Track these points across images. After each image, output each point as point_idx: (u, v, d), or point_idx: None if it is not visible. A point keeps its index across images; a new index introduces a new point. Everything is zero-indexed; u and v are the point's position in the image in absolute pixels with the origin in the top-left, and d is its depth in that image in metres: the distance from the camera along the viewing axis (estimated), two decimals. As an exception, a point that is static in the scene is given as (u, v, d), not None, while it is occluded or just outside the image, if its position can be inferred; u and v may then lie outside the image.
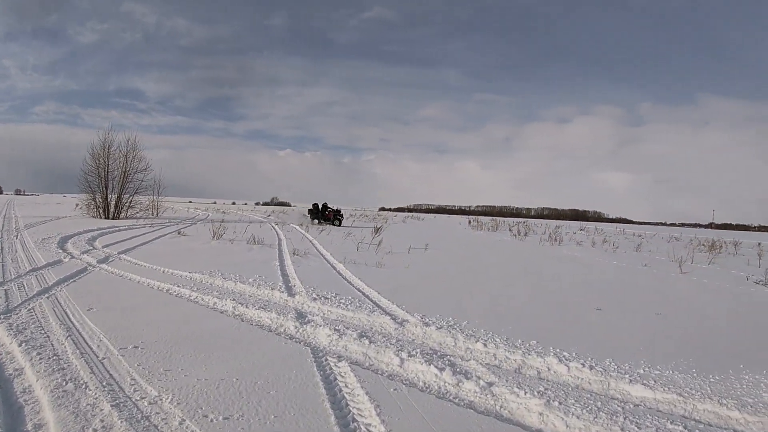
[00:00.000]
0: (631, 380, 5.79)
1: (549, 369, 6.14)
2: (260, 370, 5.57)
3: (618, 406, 5.06)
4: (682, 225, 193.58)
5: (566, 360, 6.35)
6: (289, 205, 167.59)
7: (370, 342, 6.57)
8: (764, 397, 5.51)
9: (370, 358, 6.21)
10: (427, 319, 8.11)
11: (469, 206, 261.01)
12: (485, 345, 6.81)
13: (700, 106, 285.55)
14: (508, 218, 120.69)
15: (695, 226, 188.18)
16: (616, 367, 6.25)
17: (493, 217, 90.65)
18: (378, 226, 22.77)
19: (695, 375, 6.13)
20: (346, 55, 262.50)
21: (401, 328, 7.60)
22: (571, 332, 7.90)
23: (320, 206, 39.83)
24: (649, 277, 15.47)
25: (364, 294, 10.09)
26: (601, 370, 6.08)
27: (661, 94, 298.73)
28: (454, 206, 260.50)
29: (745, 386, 5.86)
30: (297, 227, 31.74)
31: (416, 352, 6.31)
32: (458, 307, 9.21)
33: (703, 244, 32.31)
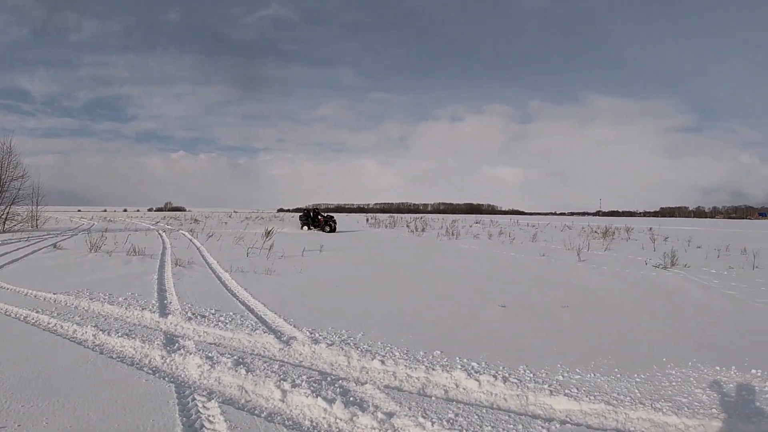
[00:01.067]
0: (551, 391, 5.05)
1: (457, 386, 5.27)
2: (110, 421, 4.26)
3: (543, 427, 4.27)
4: (572, 214, 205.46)
5: (476, 372, 5.52)
6: (184, 210, 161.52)
7: (248, 371, 5.52)
8: (698, 395, 5.02)
9: (246, 392, 5.05)
10: (317, 335, 7.04)
11: (368, 204, 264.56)
12: (383, 362, 5.84)
13: (585, 104, 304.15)
14: (406, 214, 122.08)
15: (584, 214, 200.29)
16: (532, 375, 5.51)
17: (391, 214, 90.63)
18: (269, 229, 21.41)
19: (619, 376, 5.55)
20: (242, 52, 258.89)
21: (287, 348, 6.50)
22: (478, 336, 7.16)
23: (311, 213, 38.90)
24: (549, 267, 15.42)
25: (248, 308, 8.89)
26: (516, 381, 5.31)
27: (549, 93, 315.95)
28: (353, 205, 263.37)
29: (674, 383, 5.36)
30: (185, 233, 29.83)
31: (302, 380, 5.21)
32: (354, 316, 8.25)
33: (596, 232, 33.57)
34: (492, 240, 27.47)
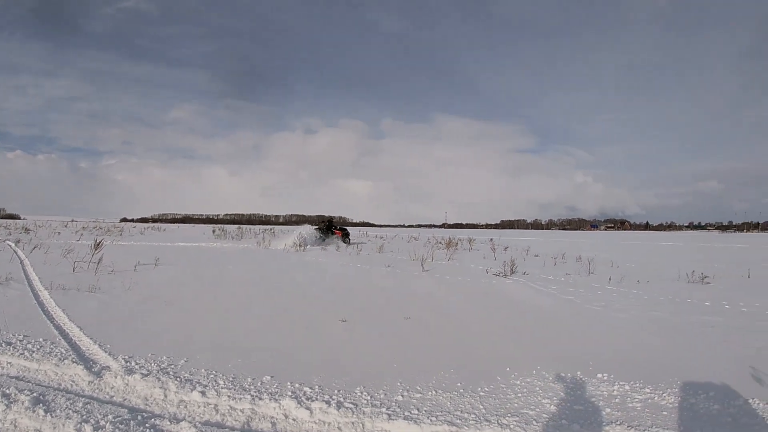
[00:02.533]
0: (390, 415, 4.56)
1: (287, 416, 4.60)
2: None
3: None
4: (420, 226, 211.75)
5: (307, 399, 4.85)
6: (19, 218, 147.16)
7: (47, 411, 4.58)
8: (546, 406, 4.83)
9: (43, 439, 4.13)
10: (133, 363, 6.02)
11: (218, 215, 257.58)
12: (204, 393, 5.02)
13: (435, 124, 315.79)
14: (257, 226, 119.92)
15: (431, 226, 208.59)
16: (369, 398, 4.96)
17: (241, 226, 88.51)
18: (98, 241, 19.63)
19: (462, 391, 5.20)
20: (95, 45, 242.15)
21: (97, 380, 5.50)
22: (314, 356, 6.48)
23: (327, 225, 38.10)
24: (394, 278, 15.22)
25: (62, 332, 7.60)
26: (351, 406, 4.72)
27: (401, 111, 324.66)
28: (202, 215, 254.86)
29: (520, 395, 5.14)
30: (11, 244, 26.87)
31: (107, 421, 4.31)
32: (179, 339, 7.23)
33: (440, 242, 34.40)
34: (339, 251, 27.13)
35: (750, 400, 4.99)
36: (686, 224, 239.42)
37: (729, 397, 5.09)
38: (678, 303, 11.06)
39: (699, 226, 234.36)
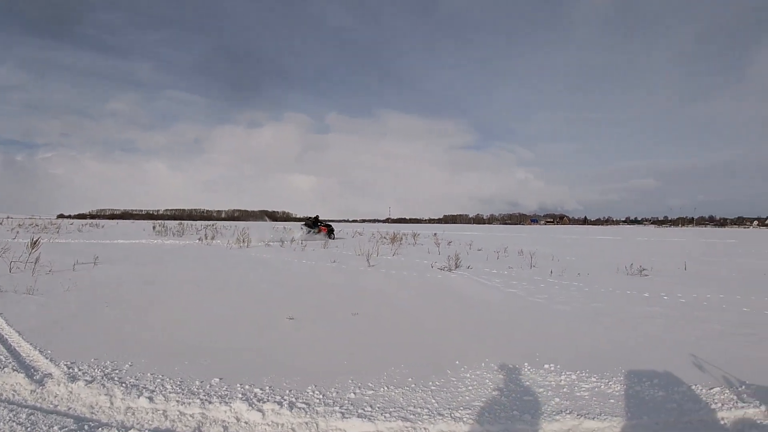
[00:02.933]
0: (344, 413, 4.53)
1: (239, 420, 4.50)
2: None
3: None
4: (364, 221, 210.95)
5: (259, 401, 4.76)
6: None
7: (-17, 427, 4.25)
8: (496, 397, 4.89)
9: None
10: (76, 369, 5.77)
11: (158, 210, 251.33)
12: (152, 399, 4.87)
13: (380, 120, 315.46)
14: (198, 221, 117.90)
15: (375, 221, 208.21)
16: (321, 397, 4.91)
17: (182, 221, 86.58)
18: (35, 239, 18.87)
19: (414, 386, 5.22)
20: (35, 32, 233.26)
21: (40, 389, 5.30)
22: (263, 356, 6.36)
23: (314, 222, 40.14)
24: (340, 274, 15.09)
25: (0, 337, 7.41)
26: (304, 406, 4.66)
27: (346, 106, 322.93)
28: (141, 211, 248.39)
29: (471, 387, 5.19)
30: None
31: None
32: (122, 342, 6.95)
33: (385, 237, 34.42)
34: (284, 247, 26.77)
35: (693, 387, 5.21)
36: (623, 219, 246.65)
37: (672, 384, 5.29)
38: (618, 295, 11.46)
39: (635, 221, 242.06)
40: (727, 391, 5.06)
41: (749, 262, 21.99)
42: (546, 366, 5.77)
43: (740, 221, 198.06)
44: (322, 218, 40.71)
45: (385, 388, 5.08)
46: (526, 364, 5.85)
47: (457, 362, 5.91)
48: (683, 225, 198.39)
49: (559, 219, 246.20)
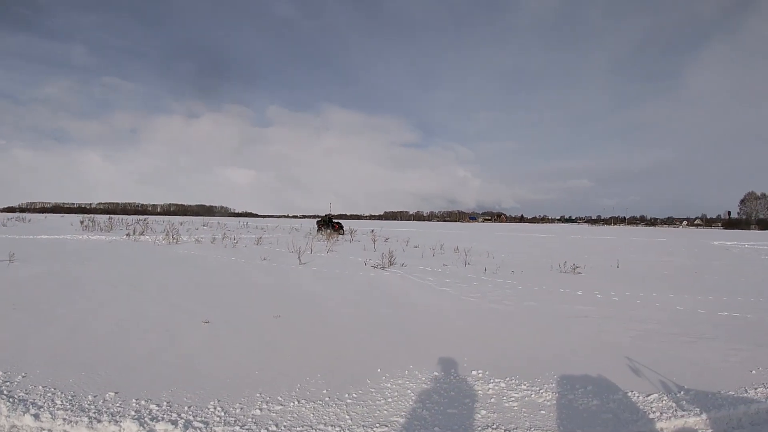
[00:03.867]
0: (244, 433, 3.85)
1: (127, 442, 3.89)
2: None
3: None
4: (304, 217, 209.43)
5: (152, 420, 4.15)
6: None
7: None
8: (418, 411, 4.41)
9: None
10: None
11: (90, 204, 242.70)
12: (38, 416, 4.21)
13: (322, 114, 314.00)
14: (133, 216, 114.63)
15: (315, 217, 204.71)
16: (223, 414, 4.30)
17: (113, 216, 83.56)
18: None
19: (328, 399, 4.69)
20: None
21: None
22: (168, 366, 5.67)
23: (327, 220, 43.70)
24: (269, 273, 14.38)
25: None
26: (201, 425, 4.07)
27: (288, 99, 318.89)
28: (74, 204, 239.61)
29: (390, 400, 4.71)
30: None
31: None
32: (21, 350, 6.11)
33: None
34: (215, 244, 25.76)
35: (629, 393, 4.90)
36: (558, 218, 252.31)
37: (608, 390, 4.97)
38: (551, 293, 11.29)
39: (570, 220, 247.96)
40: (666, 398, 4.79)
41: (680, 260, 22.50)
42: (474, 372, 5.36)
43: (670, 221, 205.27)
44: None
45: (296, 402, 4.53)
46: (453, 370, 5.43)
47: (379, 370, 5.43)
48: (616, 224, 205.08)
49: (497, 217, 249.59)
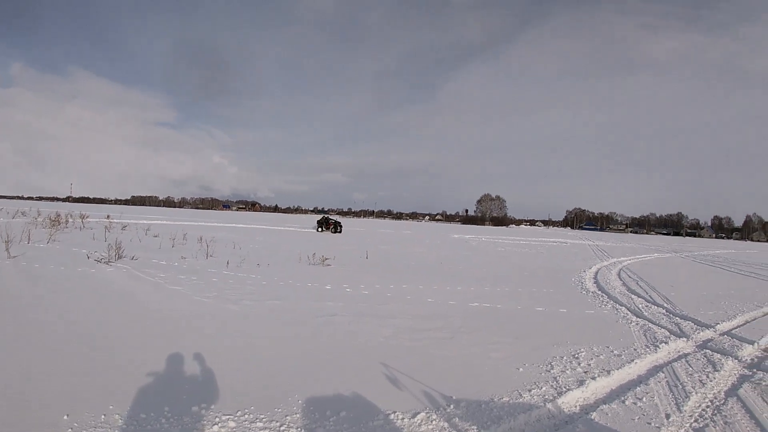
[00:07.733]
0: None
1: None
2: None
3: None
4: (41, 199, 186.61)
5: None
6: None
7: None
8: None
9: None
10: None
11: None
12: None
13: (72, 79, 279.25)
14: None
15: (54, 199, 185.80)
16: None
17: None
18: None
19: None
20: None
21: None
22: None
23: (326, 218, 45.17)
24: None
25: None
26: None
27: (37, 57, 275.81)
28: None
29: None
30: None
31: None
32: None
33: (49, 219, 28.29)
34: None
35: (392, 416, 4.06)
36: (311, 209, 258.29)
37: (366, 414, 4.05)
38: (298, 288, 10.44)
39: (322, 211, 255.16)
40: (435, 417, 4.02)
41: (426, 252, 23.54)
42: (194, 408, 3.92)
43: (414, 215, 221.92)
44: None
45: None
46: (166, 408, 3.90)
47: (66, 417, 3.67)
48: (365, 216, 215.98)
49: (251, 206, 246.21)
